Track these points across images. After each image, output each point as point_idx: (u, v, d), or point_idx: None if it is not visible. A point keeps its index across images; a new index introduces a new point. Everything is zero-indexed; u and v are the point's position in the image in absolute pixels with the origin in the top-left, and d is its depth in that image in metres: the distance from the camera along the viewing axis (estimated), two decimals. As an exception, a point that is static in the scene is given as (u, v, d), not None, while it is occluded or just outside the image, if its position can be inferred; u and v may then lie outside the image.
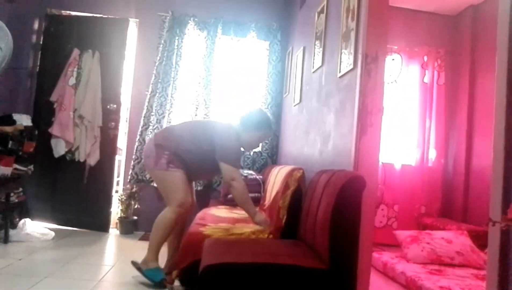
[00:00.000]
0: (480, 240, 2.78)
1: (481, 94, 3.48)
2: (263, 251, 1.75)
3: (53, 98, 3.75)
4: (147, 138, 3.83)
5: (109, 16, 3.94)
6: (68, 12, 3.99)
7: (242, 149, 2.63)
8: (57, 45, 3.88)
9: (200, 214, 2.72)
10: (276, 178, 2.64)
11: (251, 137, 2.53)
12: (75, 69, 3.80)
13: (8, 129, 3.07)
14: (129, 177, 3.85)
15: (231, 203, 3.16)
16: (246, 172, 3.47)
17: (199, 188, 3.74)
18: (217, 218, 2.49)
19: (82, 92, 3.77)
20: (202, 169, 2.53)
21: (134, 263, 2.40)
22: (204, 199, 3.63)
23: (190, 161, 2.44)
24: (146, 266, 2.34)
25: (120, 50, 3.85)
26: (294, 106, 3.47)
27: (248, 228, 2.23)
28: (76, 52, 3.83)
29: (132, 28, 4.03)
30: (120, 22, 3.89)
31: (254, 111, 2.63)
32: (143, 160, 2.81)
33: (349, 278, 1.61)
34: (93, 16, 3.94)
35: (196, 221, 2.45)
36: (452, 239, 2.73)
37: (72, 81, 3.79)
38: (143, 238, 3.60)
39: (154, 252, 2.36)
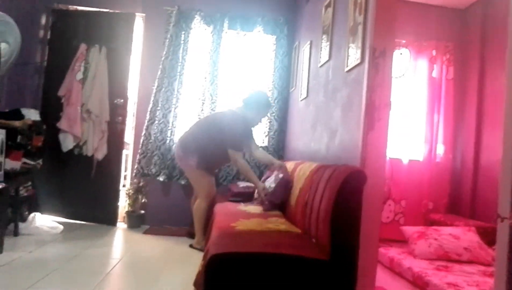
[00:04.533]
0: (488, 237, 2.75)
1: (491, 89, 3.42)
2: (268, 242, 1.78)
3: (60, 92, 3.78)
4: (152, 133, 3.85)
5: (116, 11, 3.94)
6: (75, 7, 4.00)
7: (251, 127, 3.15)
8: (64, 40, 3.90)
9: (227, 209, 2.73)
10: (297, 174, 2.54)
11: (255, 116, 3.11)
12: (82, 64, 3.83)
13: (16, 123, 3.10)
14: (135, 171, 3.88)
15: (235, 200, 3.21)
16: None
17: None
18: (248, 214, 2.49)
19: (89, 86, 3.79)
20: (218, 157, 3.10)
21: (191, 246, 3.13)
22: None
23: (210, 155, 3.04)
24: (199, 244, 3.06)
25: (127, 44, 3.86)
26: (301, 100, 3.45)
27: (284, 225, 2.19)
28: (83, 47, 3.85)
29: (139, 23, 4.04)
30: (127, 17, 3.89)
31: (254, 92, 3.19)
32: (177, 160, 3.30)
33: (350, 269, 1.67)
34: (99, 11, 3.95)
35: (224, 216, 2.45)
36: (459, 235, 2.71)
37: (79, 76, 3.81)
38: (148, 232, 3.63)
39: (200, 233, 3.09)
